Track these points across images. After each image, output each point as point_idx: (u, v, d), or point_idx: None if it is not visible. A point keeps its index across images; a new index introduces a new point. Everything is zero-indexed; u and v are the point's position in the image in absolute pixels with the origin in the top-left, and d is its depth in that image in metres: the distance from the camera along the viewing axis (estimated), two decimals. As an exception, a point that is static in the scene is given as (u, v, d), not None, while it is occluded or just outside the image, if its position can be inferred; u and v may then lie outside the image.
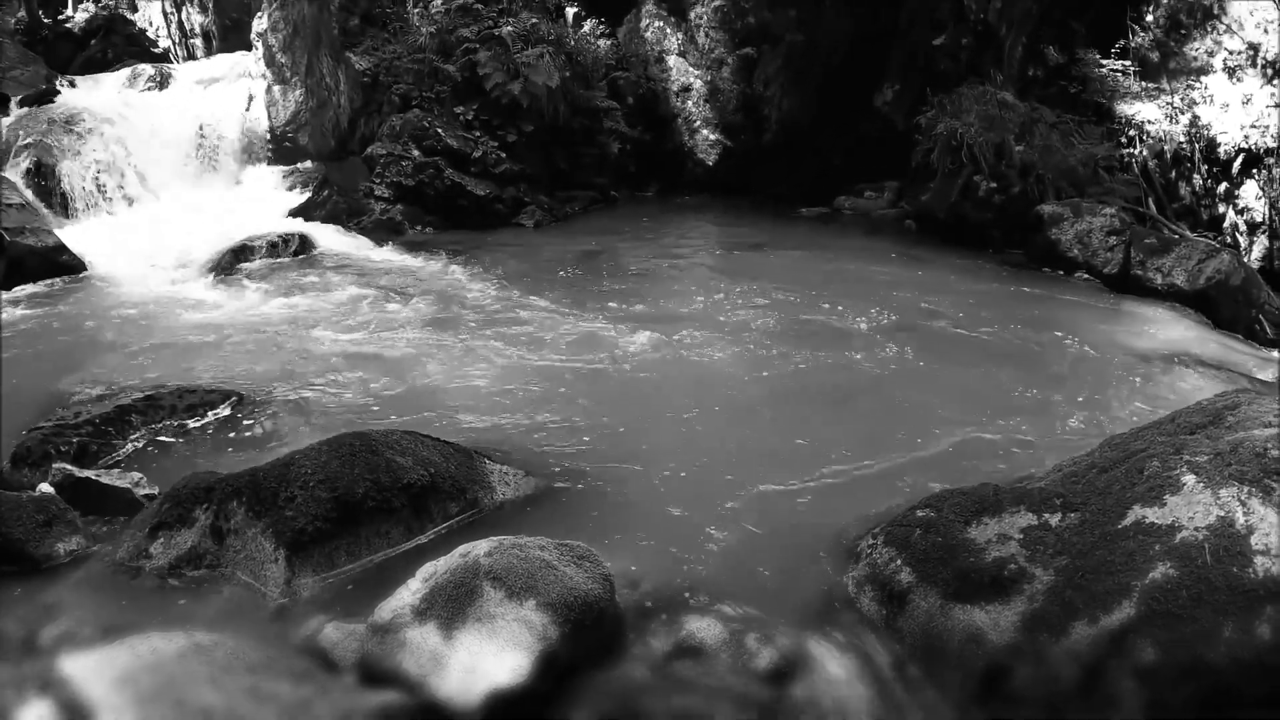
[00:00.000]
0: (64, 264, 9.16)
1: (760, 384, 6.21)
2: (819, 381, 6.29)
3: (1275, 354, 8.66)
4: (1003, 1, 12.88)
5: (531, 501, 4.36)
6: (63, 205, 11.33)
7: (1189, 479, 3.39)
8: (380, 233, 10.70)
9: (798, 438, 5.34)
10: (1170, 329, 8.49)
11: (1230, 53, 11.78)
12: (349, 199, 11.39)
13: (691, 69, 13.67)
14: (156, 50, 20.50)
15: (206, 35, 20.94)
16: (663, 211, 12.92)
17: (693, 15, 13.52)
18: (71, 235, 9.92)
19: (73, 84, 14.28)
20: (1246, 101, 11.42)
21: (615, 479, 4.65)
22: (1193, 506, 3.27)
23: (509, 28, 12.39)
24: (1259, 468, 3.32)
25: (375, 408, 5.59)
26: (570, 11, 13.73)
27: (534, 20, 12.74)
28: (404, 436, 4.24)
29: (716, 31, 13.40)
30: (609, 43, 13.81)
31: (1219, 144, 11.55)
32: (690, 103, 13.74)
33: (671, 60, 13.79)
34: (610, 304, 7.98)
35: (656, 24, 13.86)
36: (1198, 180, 11.71)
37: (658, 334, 7.05)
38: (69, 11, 21.19)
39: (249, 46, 15.15)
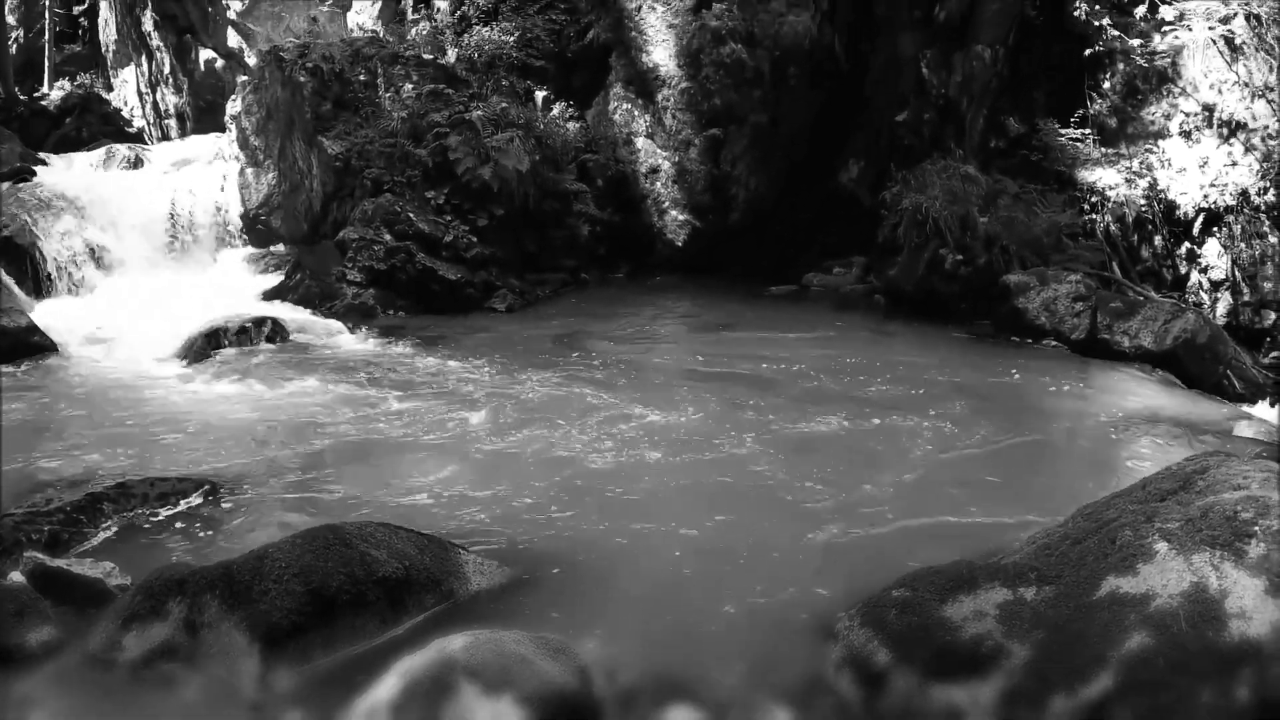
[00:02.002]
0: (35, 345, 9.09)
1: (734, 467, 6.19)
2: (792, 462, 6.28)
3: (1244, 408, 8.77)
4: (963, 75, 13.17)
5: (507, 591, 4.33)
6: (35, 285, 11.33)
7: (1161, 546, 3.42)
8: (352, 317, 10.66)
9: (771, 520, 5.34)
10: (1140, 391, 8.58)
11: (1186, 115, 12.07)
12: (321, 283, 11.39)
13: (660, 150, 13.82)
14: (131, 130, 20.65)
15: (181, 116, 21.10)
16: (633, 293, 12.95)
17: (660, 97, 13.71)
18: (43, 315, 9.91)
19: (45, 162, 14.31)
20: (1204, 163, 11.69)
21: (590, 567, 4.63)
22: (1166, 574, 3.30)
23: (479, 112, 12.53)
24: (1230, 531, 3.36)
25: (348, 497, 5.55)
26: (540, 95, 13.90)
27: (504, 105, 12.89)
28: (378, 528, 4.23)
29: (683, 113, 13.58)
30: (578, 125, 13.95)
31: (1179, 205, 11.79)
32: (659, 184, 13.87)
33: (640, 142, 13.95)
34: (582, 390, 7.93)
35: (625, 106, 14.04)
36: (1160, 242, 11.92)
37: (630, 420, 7.03)
38: (45, 89, 21.37)
39: (223, 129, 15.33)
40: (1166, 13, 12.10)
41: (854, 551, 4.84)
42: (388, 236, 11.59)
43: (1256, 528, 3.34)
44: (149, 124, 21.63)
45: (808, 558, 4.77)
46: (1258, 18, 11.41)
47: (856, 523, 5.21)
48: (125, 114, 21.73)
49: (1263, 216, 11.33)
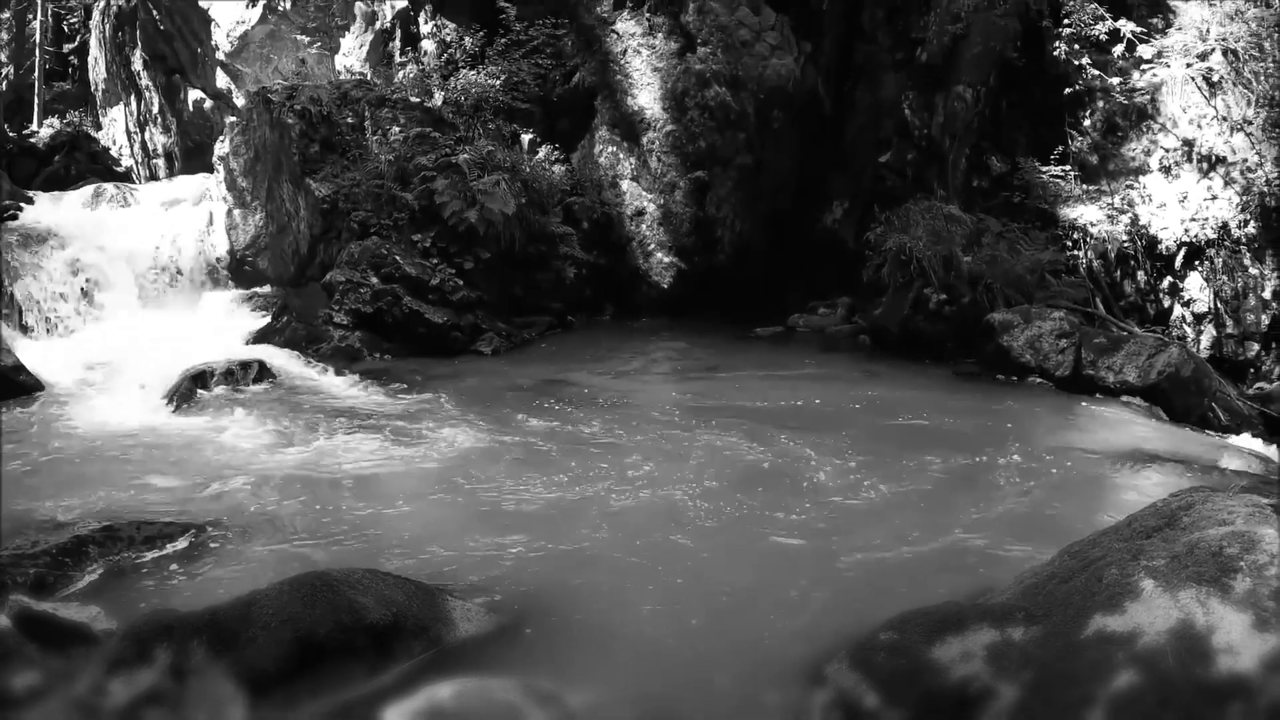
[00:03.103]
0: (22, 384, 9.07)
1: (721, 511, 6.16)
2: (778, 504, 6.25)
3: (1229, 439, 8.82)
4: (945, 115, 13.33)
5: (495, 637, 4.30)
6: (21, 324, 11.31)
7: (1147, 584, 3.42)
8: (339, 360, 10.62)
9: (760, 563, 5.33)
10: (1125, 426, 8.61)
11: (1166, 150, 12.19)
12: (308, 325, 11.37)
13: (645, 193, 13.90)
14: (119, 169, 20.73)
15: (169, 156, 21.18)
16: (619, 335, 12.94)
17: (645, 140, 13.82)
18: (30, 354, 9.86)
19: (33, 200, 14.30)
20: (1184, 198, 11.80)
21: (578, 612, 4.60)
22: (1153, 611, 3.30)
23: (465, 155, 12.58)
24: (1216, 567, 3.37)
25: (336, 541, 5.52)
26: (526, 138, 13.98)
27: (490, 148, 12.95)
28: (365, 575, 4.21)
29: (668, 156, 13.69)
30: (564, 168, 14.02)
31: (1160, 240, 11.89)
32: (644, 226, 13.94)
33: (625, 185, 14.03)
34: (569, 434, 7.90)
35: (610, 149, 14.14)
36: (1142, 277, 12.01)
37: (619, 464, 6.99)
38: (34, 127, 21.43)
39: (211, 169, 15.37)
40: (1145, 51, 12.25)
41: (843, 591, 4.83)
42: (374, 279, 11.60)
43: (1242, 563, 3.35)
44: (137, 163, 21.71)
45: (799, 599, 4.76)
46: (1235, 53, 11.55)
47: (845, 563, 5.20)
48: (114, 153, 21.80)
49: (1244, 249, 11.43)
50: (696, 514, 6.06)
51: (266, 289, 13.47)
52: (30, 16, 24.92)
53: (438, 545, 5.47)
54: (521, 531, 5.71)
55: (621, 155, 14.04)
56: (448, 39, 15.74)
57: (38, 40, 23.68)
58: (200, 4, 19.52)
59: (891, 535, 5.64)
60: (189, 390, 9.12)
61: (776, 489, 6.51)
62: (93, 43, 23.09)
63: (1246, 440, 8.91)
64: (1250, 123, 11.45)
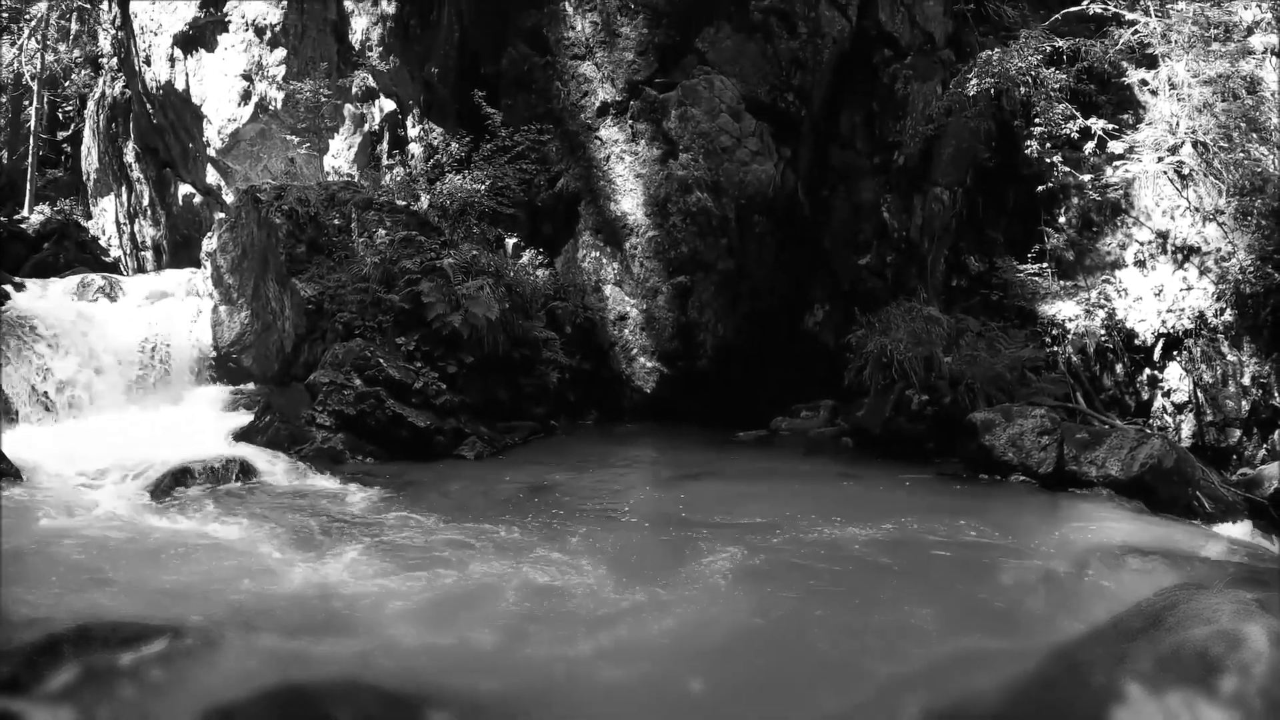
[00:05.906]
0: (1, 471, 8.95)
1: (703, 621, 6.09)
2: (754, 612, 6.19)
3: (1214, 528, 8.80)
4: (923, 217, 13.57)
5: (476, 755, 4.22)
6: (4, 411, 11.23)
7: (1133, 689, 3.41)
8: (321, 461, 10.54)
9: (740, 673, 5.27)
10: (1110, 520, 8.57)
11: (1141, 244, 12.39)
12: (291, 425, 11.31)
13: (628, 298, 14.00)
14: (108, 259, 20.89)
15: (157, 248, 21.33)
16: (602, 441, 12.88)
17: (628, 245, 13.95)
18: (10, 442, 9.78)
19: (21, 286, 14.31)
20: (1159, 290, 11.96)
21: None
22: (1140, 718, 3.28)
23: (450, 260, 12.67)
24: (1202, 667, 3.37)
25: (313, 649, 5.41)
26: (510, 242, 14.09)
27: (474, 252, 13.04)
28: (342, 686, 4.15)
29: (651, 260, 13.81)
30: (547, 272, 14.10)
31: (1138, 333, 12.02)
32: (627, 331, 14.01)
33: (608, 289, 14.13)
34: (551, 543, 7.73)
35: (593, 254, 14.27)
36: (1121, 370, 12.11)
37: (602, 574, 6.88)
38: (25, 212, 21.60)
39: (198, 263, 15.48)
40: (1116, 146, 12.48)
41: (823, 705, 4.76)
42: (358, 381, 11.56)
43: (1228, 662, 3.35)
44: (125, 254, 21.85)
45: (780, 711, 4.69)
46: (1204, 145, 11.80)
47: (820, 680, 5.12)
48: (103, 243, 21.99)
49: (1221, 337, 11.55)
50: (681, 626, 5.98)
51: (250, 387, 13.47)
52: (26, 103, 25.38)
53: (418, 655, 5.37)
54: (505, 641, 5.62)
55: (605, 260, 14.17)
56: (434, 143, 15.97)
57: (32, 127, 24.09)
58: (193, 100, 19.86)
59: (869, 643, 5.58)
60: (170, 487, 9.07)
61: (752, 598, 6.43)
62: (86, 132, 23.49)
63: (1232, 528, 8.92)
64: (1222, 212, 11.65)
